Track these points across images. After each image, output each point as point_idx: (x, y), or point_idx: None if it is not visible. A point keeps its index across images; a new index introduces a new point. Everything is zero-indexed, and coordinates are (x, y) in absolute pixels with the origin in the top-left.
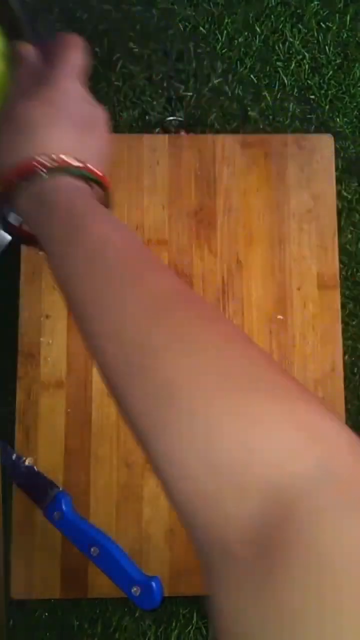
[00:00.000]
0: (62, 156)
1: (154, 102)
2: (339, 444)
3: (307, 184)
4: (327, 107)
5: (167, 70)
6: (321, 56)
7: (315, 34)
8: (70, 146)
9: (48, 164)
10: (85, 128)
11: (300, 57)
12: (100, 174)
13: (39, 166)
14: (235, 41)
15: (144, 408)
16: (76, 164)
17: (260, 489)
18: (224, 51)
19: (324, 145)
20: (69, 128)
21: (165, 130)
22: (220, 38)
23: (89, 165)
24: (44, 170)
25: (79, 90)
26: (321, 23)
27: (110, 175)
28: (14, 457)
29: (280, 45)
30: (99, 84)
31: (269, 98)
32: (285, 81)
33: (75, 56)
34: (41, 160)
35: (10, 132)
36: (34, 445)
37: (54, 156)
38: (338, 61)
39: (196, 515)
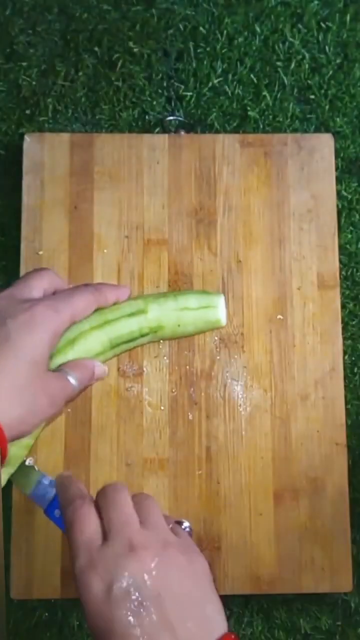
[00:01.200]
0: None
1: (154, 102)
2: None
3: (307, 184)
4: (327, 107)
5: (167, 70)
6: (321, 56)
7: (316, 34)
8: None
9: None
10: None
11: (300, 57)
12: None
13: None
14: (235, 41)
15: None
16: None
17: None
18: (224, 51)
19: (324, 145)
20: None
21: (165, 130)
22: (220, 38)
23: None
24: None
25: None
26: (321, 23)
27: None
28: None
29: (280, 45)
30: (98, 83)
31: (268, 98)
32: (285, 81)
33: None
34: None
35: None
36: (34, 445)
37: None
38: (338, 61)
39: None
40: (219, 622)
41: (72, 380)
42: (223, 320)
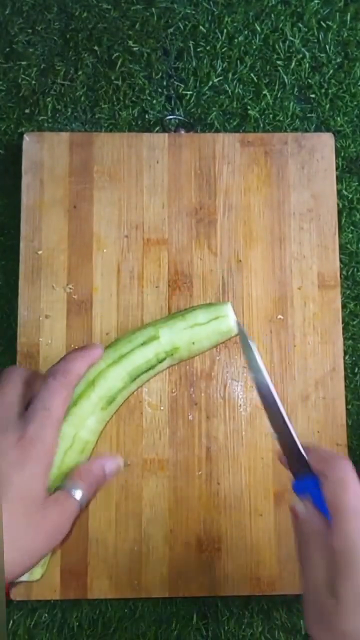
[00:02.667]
0: None
1: (154, 101)
2: None
3: (307, 183)
4: (328, 106)
5: (167, 69)
6: (321, 55)
7: (316, 32)
8: None
9: None
10: None
11: (301, 56)
12: None
13: None
14: (236, 40)
15: None
16: None
17: None
18: (224, 50)
19: (325, 144)
20: None
21: (165, 129)
22: (220, 37)
23: None
24: None
25: None
26: (321, 22)
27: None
28: None
29: (281, 44)
30: (98, 82)
31: (269, 97)
32: (286, 80)
33: None
34: None
35: None
36: None
37: None
38: (338, 60)
39: None
40: None
41: (78, 496)
42: (235, 328)
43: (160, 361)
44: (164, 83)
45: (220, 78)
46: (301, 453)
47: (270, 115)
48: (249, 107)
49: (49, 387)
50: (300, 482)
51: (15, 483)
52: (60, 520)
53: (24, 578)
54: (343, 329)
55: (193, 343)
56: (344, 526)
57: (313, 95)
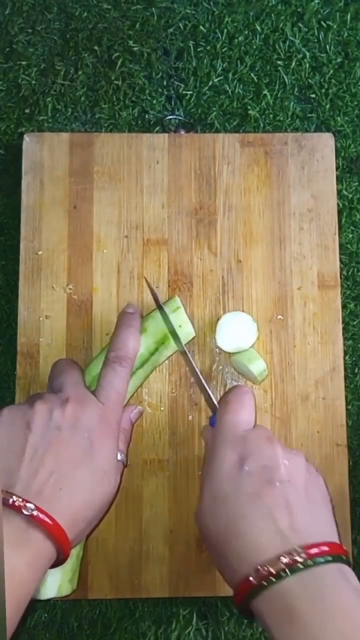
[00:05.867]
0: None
1: (154, 101)
2: None
3: (307, 183)
4: (328, 106)
5: (167, 69)
6: (322, 55)
7: (316, 32)
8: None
9: (301, 559)
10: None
11: (301, 55)
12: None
13: (292, 562)
14: (236, 40)
15: None
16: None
17: None
18: (224, 50)
19: (325, 144)
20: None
21: (165, 129)
22: (220, 37)
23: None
24: (300, 564)
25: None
26: (322, 22)
27: None
28: None
29: (281, 44)
30: (98, 82)
31: (269, 97)
32: (286, 80)
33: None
34: (296, 557)
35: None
36: None
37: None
38: (339, 60)
39: None
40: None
41: (120, 457)
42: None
43: (152, 353)
44: (164, 83)
45: (220, 78)
46: (209, 394)
47: (271, 115)
48: (249, 107)
49: (119, 373)
50: (213, 416)
51: (98, 454)
52: (117, 480)
53: (52, 594)
54: (343, 329)
55: (180, 326)
56: (213, 440)
57: (313, 95)
